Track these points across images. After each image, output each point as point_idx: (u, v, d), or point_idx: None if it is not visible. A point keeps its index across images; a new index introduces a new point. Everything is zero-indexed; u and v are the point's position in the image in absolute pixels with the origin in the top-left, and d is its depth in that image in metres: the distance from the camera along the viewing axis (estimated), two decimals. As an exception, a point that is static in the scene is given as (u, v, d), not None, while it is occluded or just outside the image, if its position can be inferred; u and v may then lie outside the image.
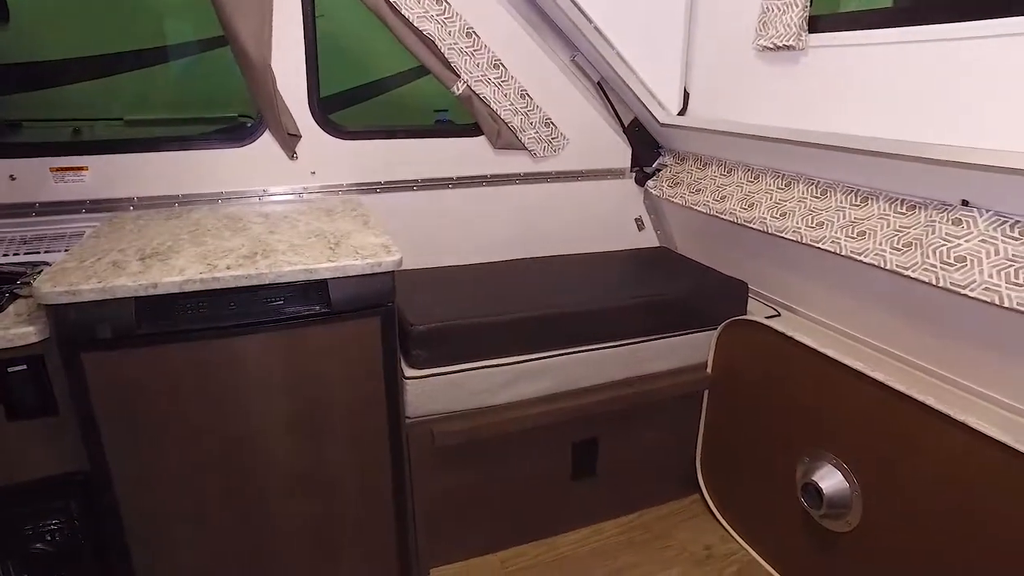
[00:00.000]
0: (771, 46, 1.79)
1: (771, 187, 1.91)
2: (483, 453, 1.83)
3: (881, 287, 1.70)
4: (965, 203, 1.43)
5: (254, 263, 1.38)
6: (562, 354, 1.84)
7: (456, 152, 2.18)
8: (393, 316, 1.51)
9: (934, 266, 1.43)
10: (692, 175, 2.23)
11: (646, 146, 2.42)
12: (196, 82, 2.76)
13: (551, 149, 2.25)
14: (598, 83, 2.26)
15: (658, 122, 2.23)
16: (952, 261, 1.40)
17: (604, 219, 2.44)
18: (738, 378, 1.99)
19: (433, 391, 1.72)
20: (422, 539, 1.84)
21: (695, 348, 2.05)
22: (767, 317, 1.95)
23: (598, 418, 1.93)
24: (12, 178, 1.77)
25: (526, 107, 2.15)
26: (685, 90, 2.19)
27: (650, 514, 2.15)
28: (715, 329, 2.03)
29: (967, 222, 1.40)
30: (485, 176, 2.22)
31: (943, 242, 1.43)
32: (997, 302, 1.31)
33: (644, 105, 2.20)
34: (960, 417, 1.36)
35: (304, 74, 1.93)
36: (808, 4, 1.71)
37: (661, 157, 2.43)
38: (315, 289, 1.42)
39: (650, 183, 2.39)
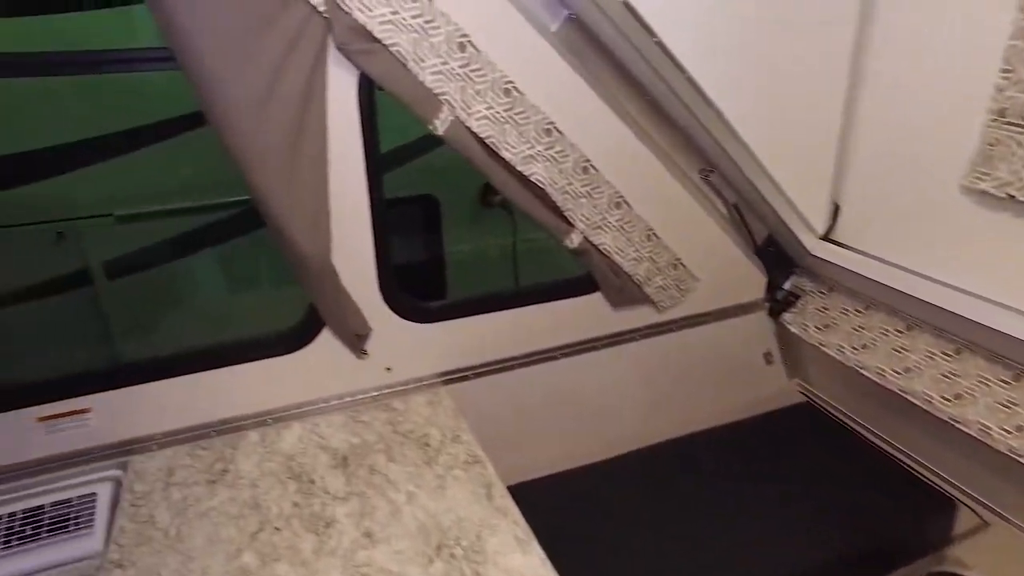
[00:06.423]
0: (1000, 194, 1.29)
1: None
2: None
3: None
4: None
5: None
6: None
7: (567, 313, 1.70)
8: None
9: None
10: (851, 321, 1.76)
11: (780, 266, 1.94)
12: (189, 164, 2.16)
13: (679, 294, 1.78)
14: (734, 204, 1.77)
15: (806, 250, 1.77)
16: None
17: (728, 359, 1.98)
18: None
19: None
20: None
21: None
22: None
23: None
24: None
25: (651, 251, 1.65)
26: (834, 203, 1.72)
27: None
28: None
29: None
30: (600, 338, 1.75)
31: None
32: None
33: (787, 227, 1.73)
34: None
35: (372, 250, 1.41)
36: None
37: (794, 276, 1.95)
38: None
39: (787, 316, 1.92)
